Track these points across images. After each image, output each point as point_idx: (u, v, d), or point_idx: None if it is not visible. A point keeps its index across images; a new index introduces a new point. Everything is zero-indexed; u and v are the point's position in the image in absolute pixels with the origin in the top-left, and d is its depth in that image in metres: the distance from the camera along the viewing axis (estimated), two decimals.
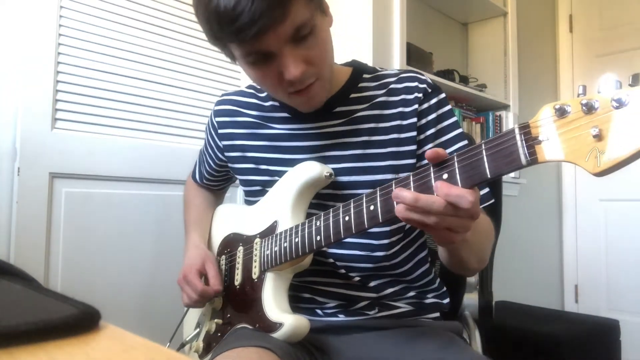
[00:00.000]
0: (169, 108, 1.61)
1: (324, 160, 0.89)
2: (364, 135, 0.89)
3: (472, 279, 1.16)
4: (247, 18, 0.69)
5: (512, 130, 0.56)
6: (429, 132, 0.89)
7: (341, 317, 0.91)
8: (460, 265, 0.82)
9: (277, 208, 0.90)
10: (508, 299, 2.45)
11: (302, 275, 0.89)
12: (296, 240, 0.81)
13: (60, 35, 1.38)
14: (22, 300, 0.44)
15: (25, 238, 1.31)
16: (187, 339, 1.00)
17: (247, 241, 0.94)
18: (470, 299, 1.18)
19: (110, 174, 1.47)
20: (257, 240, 0.90)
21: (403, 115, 0.89)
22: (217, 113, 1.02)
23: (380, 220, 0.69)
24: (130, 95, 1.52)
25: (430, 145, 0.88)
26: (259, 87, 0.98)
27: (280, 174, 0.92)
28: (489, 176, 0.58)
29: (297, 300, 0.90)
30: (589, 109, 0.51)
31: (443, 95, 0.92)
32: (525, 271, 2.69)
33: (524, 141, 0.55)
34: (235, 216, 1.05)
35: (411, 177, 0.66)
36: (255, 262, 0.89)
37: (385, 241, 0.88)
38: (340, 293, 0.91)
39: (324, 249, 0.89)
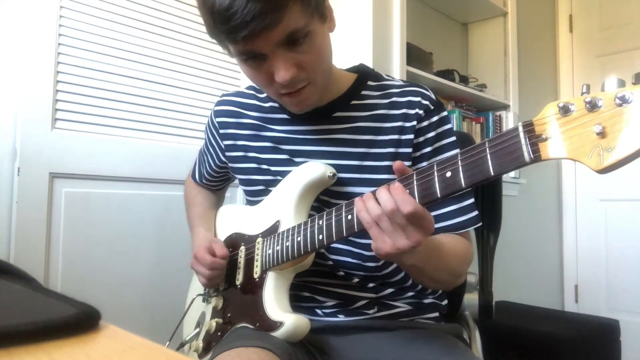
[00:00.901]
0: (169, 108, 1.61)
1: None
2: (362, 147, 0.89)
3: (472, 279, 1.16)
4: (240, 20, 0.69)
5: (516, 128, 0.56)
6: (425, 150, 0.88)
7: (341, 317, 0.91)
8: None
9: (279, 208, 0.90)
10: (508, 299, 2.45)
11: (302, 275, 0.89)
12: (298, 239, 0.81)
13: (60, 35, 1.38)
14: (22, 300, 0.44)
15: (25, 238, 1.31)
16: (187, 339, 1.00)
17: (249, 241, 0.94)
18: (470, 299, 1.18)
19: (110, 174, 1.47)
20: (259, 239, 0.91)
21: (402, 130, 0.88)
22: (218, 113, 1.02)
23: None
24: (130, 95, 1.52)
25: (424, 164, 0.87)
26: (259, 88, 0.98)
27: (281, 174, 0.93)
28: (492, 174, 0.58)
29: (296, 299, 0.90)
30: (593, 106, 0.51)
31: (445, 113, 0.91)
32: (525, 271, 2.69)
33: (527, 139, 0.55)
34: (237, 216, 1.05)
35: (414, 175, 0.67)
36: (257, 261, 0.89)
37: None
38: (339, 293, 0.91)
39: (324, 251, 0.89)
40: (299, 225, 0.82)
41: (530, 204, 2.78)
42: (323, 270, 0.91)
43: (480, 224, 0.90)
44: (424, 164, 0.86)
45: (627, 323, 2.39)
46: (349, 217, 0.74)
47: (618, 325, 2.25)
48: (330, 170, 0.85)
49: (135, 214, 1.52)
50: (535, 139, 0.55)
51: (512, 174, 2.50)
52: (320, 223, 0.78)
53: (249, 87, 1.02)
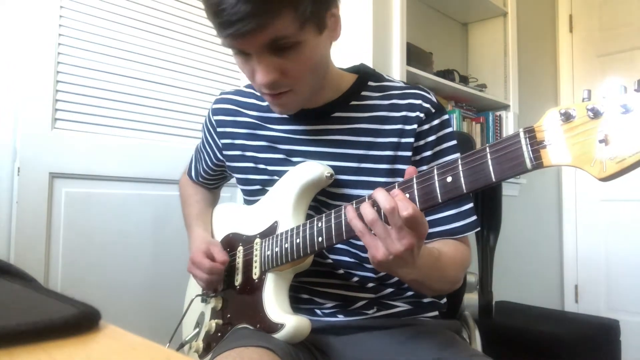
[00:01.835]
0: (169, 108, 1.61)
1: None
2: (361, 148, 0.88)
3: (472, 279, 1.17)
4: (227, 18, 0.70)
5: (517, 134, 0.56)
6: (425, 154, 0.88)
7: (340, 317, 0.91)
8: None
9: (277, 208, 0.89)
10: (508, 299, 2.45)
11: (300, 276, 0.89)
12: (297, 241, 0.81)
13: (60, 35, 1.38)
14: (22, 300, 0.44)
15: (25, 238, 1.31)
16: (187, 339, 1.00)
17: (247, 241, 0.94)
18: (470, 299, 1.18)
19: (110, 174, 1.47)
20: (257, 240, 0.90)
21: (402, 133, 0.87)
22: (216, 112, 1.02)
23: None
24: (130, 95, 1.52)
25: (424, 168, 0.85)
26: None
27: (278, 173, 0.92)
28: (493, 179, 0.58)
29: (295, 301, 0.90)
30: (595, 114, 0.51)
31: (446, 116, 0.90)
32: (525, 271, 2.69)
33: (529, 145, 0.55)
34: (234, 216, 1.05)
35: (414, 179, 0.67)
36: (255, 262, 0.89)
37: None
38: (338, 294, 0.91)
39: (323, 251, 0.89)
40: (298, 227, 0.82)
41: (531, 204, 2.77)
42: (322, 270, 0.90)
43: (478, 228, 0.89)
44: (424, 167, 0.86)
45: (627, 323, 2.39)
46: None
47: (618, 325, 2.25)
48: (328, 171, 0.84)
49: (135, 214, 1.52)
50: (536, 145, 0.55)
51: None
52: (320, 225, 0.78)
53: (248, 86, 1.01)
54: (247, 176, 0.98)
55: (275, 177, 0.93)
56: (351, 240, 0.88)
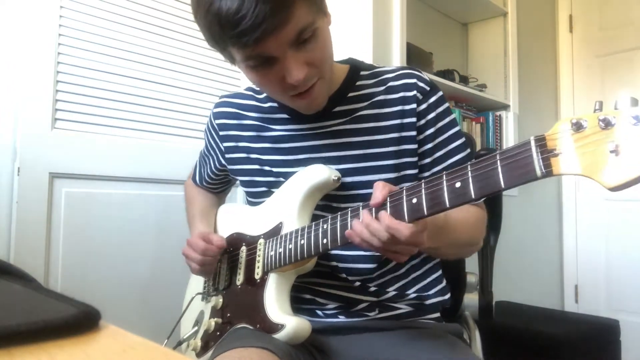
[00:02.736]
0: (169, 108, 1.61)
1: (326, 161, 0.89)
2: (364, 134, 0.89)
3: (472, 279, 1.17)
4: (250, 22, 0.69)
5: (528, 142, 0.56)
6: (428, 132, 0.90)
7: (341, 318, 0.91)
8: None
9: (282, 210, 0.89)
10: (508, 299, 2.45)
11: (303, 276, 0.89)
12: (302, 242, 0.81)
13: (60, 35, 1.38)
14: (22, 300, 0.44)
15: (25, 238, 1.31)
16: (185, 337, 1.00)
17: (251, 241, 0.94)
18: (470, 299, 1.18)
19: (110, 174, 1.47)
20: (261, 240, 0.90)
21: (403, 114, 0.89)
22: (217, 115, 1.02)
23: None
24: (130, 95, 1.52)
25: (429, 145, 0.89)
26: (258, 89, 0.98)
27: (284, 175, 0.92)
28: (502, 186, 0.58)
29: (297, 301, 0.90)
30: (606, 124, 0.51)
31: (441, 93, 0.92)
32: (525, 271, 2.69)
33: (539, 153, 0.55)
34: (238, 216, 1.05)
35: (423, 184, 0.67)
36: (258, 262, 0.89)
37: None
38: (340, 295, 0.91)
39: (327, 253, 0.89)
40: (303, 229, 0.82)
41: (531, 204, 2.77)
42: (324, 272, 0.90)
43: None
44: (429, 145, 0.89)
45: (627, 323, 2.39)
46: (355, 221, 0.74)
47: (618, 325, 2.25)
48: (334, 174, 0.85)
49: (135, 214, 1.52)
50: (547, 153, 0.55)
51: None
52: (325, 227, 0.78)
53: (247, 89, 1.02)
54: (252, 178, 0.98)
55: (281, 179, 0.93)
56: None
